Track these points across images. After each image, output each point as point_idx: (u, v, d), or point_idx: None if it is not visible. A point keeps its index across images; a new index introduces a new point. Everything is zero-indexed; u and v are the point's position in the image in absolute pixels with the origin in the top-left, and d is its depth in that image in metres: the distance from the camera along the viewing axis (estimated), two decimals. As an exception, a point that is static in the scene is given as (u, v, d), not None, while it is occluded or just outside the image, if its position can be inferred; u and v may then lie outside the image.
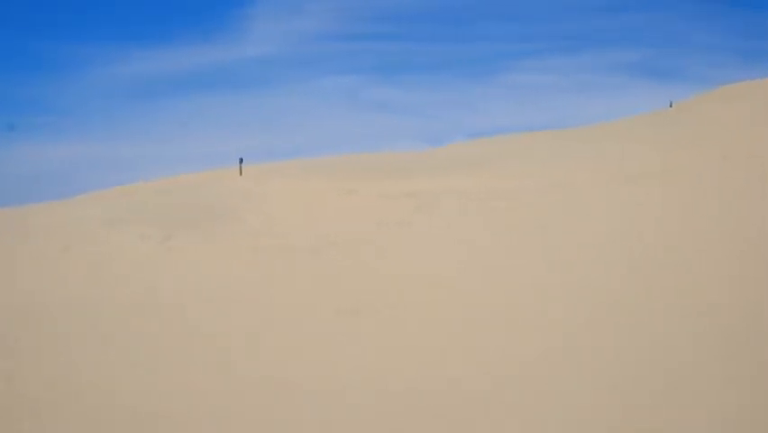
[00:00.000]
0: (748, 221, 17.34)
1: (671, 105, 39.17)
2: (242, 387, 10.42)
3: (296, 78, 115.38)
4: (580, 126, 39.58)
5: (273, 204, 23.18)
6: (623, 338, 11.23)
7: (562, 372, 10.14)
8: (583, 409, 8.92)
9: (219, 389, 10.43)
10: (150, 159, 79.39)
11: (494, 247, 17.55)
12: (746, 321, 11.39)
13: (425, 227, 19.85)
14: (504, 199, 21.49)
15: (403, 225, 20.16)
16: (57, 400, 10.36)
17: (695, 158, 23.90)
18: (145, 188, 29.98)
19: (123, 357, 12.24)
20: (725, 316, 11.78)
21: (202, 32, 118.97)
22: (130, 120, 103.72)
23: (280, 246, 19.11)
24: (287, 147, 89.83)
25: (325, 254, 18.16)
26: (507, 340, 11.56)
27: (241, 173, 29.38)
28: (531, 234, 18.23)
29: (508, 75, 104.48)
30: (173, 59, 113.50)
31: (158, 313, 14.75)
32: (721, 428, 8.13)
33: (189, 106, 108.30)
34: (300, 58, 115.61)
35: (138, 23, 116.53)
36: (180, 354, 12.13)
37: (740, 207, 18.50)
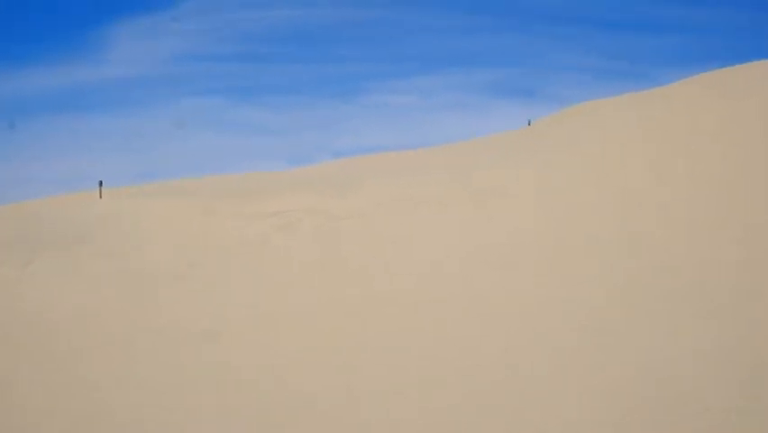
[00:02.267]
0: (599, 233, 18.01)
1: (529, 124, 39.94)
2: (101, 414, 10.40)
3: (157, 98, 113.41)
4: (443, 145, 40.09)
5: (135, 227, 22.94)
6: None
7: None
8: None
9: (79, 415, 10.38)
10: (9, 182, 77.10)
11: (355, 265, 17.81)
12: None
13: (287, 247, 19.96)
14: (366, 218, 21.77)
15: (265, 245, 20.25)
16: None
17: (550, 175, 24.55)
18: (4, 212, 29.30)
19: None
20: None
21: (60, 51, 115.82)
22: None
23: (142, 270, 18.99)
24: (149, 169, 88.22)
25: (187, 277, 18.13)
26: (371, 358, 11.82)
27: (101, 196, 29.00)
28: (392, 251, 18.52)
29: (372, 95, 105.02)
30: (32, 79, 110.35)
31: (16, 339, 14.61)
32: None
33: (49, 128, 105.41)
34: (162, 78, 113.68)
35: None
36: (36, 379, 12.04)
37: (594, 222, 19.16)
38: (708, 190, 20.34)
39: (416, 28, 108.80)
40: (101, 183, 30.12)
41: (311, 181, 27.70)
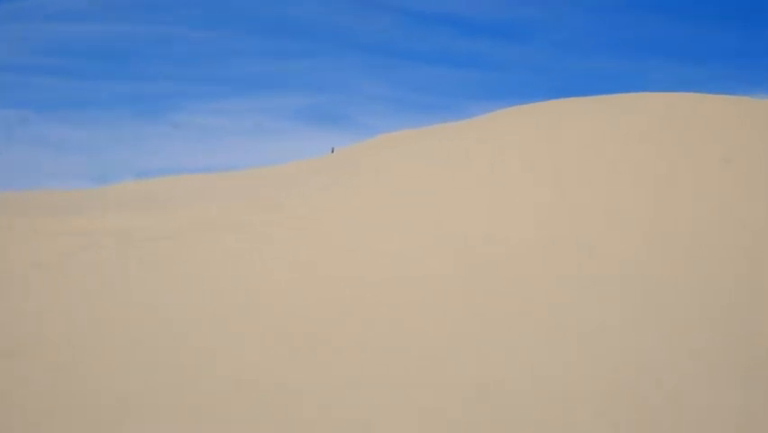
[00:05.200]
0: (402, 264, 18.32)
1: (332, 151, 40.41)
2: None
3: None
4: (250, 168, 40.07)
5: None
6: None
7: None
8: None
9: None
10: None
11: (155, 287, 17.48)
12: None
13: (85, 267, 19.40)
14: (167, 239, 21.44)
15: (62, 264, 19.61)
16: None
17: (351, 202, 24.87)
18: None
19: None
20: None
21: None
22: None
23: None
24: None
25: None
26: (190, 380, 11.62)
27: None
28: (195, 274, 18.29)
29: (180, 116, 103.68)
30: None
31: None
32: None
33: None
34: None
35: None
36: None
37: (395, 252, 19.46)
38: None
39: (229, 50, 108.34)
40: None
41: (116, 200, 27.10)
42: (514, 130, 31.21)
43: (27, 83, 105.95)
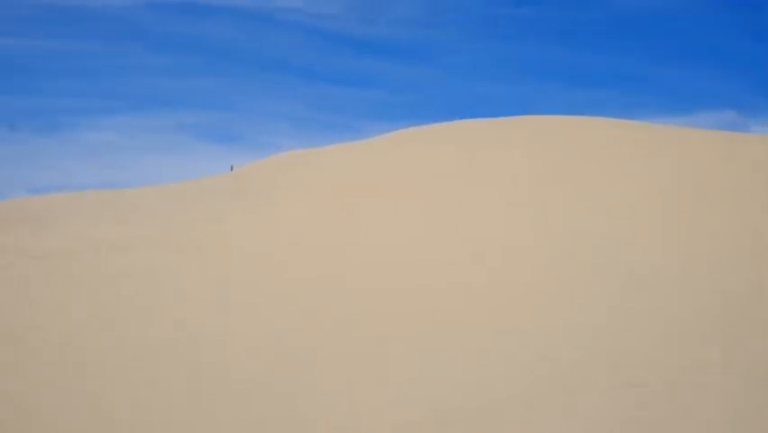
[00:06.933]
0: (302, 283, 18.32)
1: (231, 169, 40.25)
2: None
3: None
4: (145, 186, 39.56)
5: None
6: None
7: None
8: None
9: None
10: None
11: (54, 307, 17.13)
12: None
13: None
14: (62, 257, 21.04)
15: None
16: None
17: (252, 222, 24.81)
18: None
19: None
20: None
21: None
22: None
23: None
24: None
25: None
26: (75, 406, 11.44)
27: None
28: (90, 293, 17.97)
29: (72, 131, 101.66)
30: None
31: None
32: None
33: None
34: None
35: None
36: None
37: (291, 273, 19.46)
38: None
39: (127, 67, 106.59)
40: None
41: (7, 217, 26.49)
42: (415, 150, 31.51)
43: None
